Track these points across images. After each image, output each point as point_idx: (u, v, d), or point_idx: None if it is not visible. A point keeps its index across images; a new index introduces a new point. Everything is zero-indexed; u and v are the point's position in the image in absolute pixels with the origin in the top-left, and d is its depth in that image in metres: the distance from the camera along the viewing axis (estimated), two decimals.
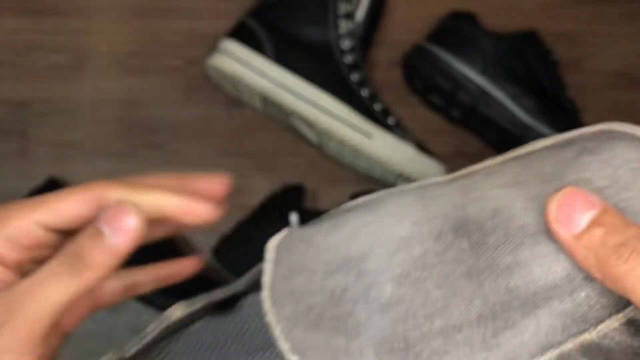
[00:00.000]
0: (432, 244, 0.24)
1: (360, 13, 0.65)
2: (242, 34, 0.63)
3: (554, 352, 0.22)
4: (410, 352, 0.23)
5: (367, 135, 0.62)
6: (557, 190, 0.23)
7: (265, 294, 0.26)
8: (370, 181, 0.67)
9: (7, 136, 0.66)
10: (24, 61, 0.68)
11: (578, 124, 0.65)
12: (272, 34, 0.63)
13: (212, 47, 0.65)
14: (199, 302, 0.30)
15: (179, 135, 0.67)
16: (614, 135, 0.25)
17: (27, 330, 0.25)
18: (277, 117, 0.67)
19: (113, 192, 0.27)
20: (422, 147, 0.64)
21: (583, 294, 0.22)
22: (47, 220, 0.27)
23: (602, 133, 0.25)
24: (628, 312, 0.22)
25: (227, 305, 0.30)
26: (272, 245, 0.28)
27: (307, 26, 0.64)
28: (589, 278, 0.22)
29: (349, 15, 0.64)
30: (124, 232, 0.26)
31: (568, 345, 0.22)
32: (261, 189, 0.66)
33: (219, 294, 0.30)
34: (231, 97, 0.68)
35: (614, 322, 0.22)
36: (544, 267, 0.23)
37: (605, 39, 0.72)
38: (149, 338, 0.30)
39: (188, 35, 0.69)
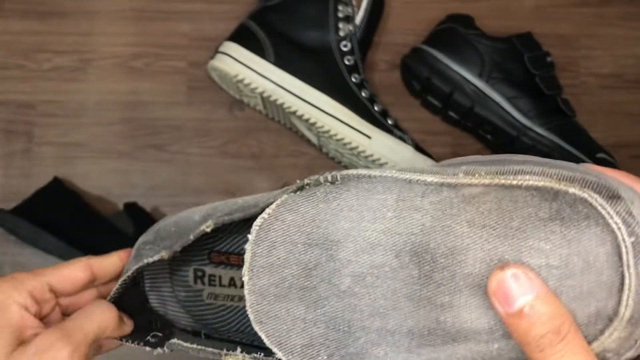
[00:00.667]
0: (391, 259, 0.28)
1: (360, 16, 0.66)
2: (243, 36, 0.64)
3: None
4: (351, 335, 0.28)
5: (366, 136, 0.62)
6: (513, 251, 0.25)
7: (244, 270, 0.30)
8: None
9: (13, 137, 0.66)
10: (29, 63, 0.68)
11: (574, 125, 0.65)
12: (273, 37, 0.64)
13: (214, 50, 0.66)
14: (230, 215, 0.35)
15: (181, 136, 0.68)
16: (591, 215, 0.25)
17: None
18: (278, 118, 0.68)
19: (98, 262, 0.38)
20: (420, 147, 0.65)
21: (496, 346, 0.26)
22: (54, 282, 0.36)
23: (585, 203, 0.25)
24: None
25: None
26: (256, 225, 0.31)
27: (307, 29, 0.64)
28: (506, 335, 0.26)
29: (349, 18, 0.65)
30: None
31: None
32: (261, 189, 0.67)
33: (237, 215, 0.34)
34: (233, 98, 0.68)
35: None
36: (472, 315, 0.26)
37: (601, 40, 0.72)
38: (175, 248, 0.35)
39: (190, 38, 0.69)
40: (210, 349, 0.35)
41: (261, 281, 0.30)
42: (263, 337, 0.30)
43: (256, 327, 0.30)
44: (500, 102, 0.64)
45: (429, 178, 0.28)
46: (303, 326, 0.29)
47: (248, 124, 0.68)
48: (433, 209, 0.27)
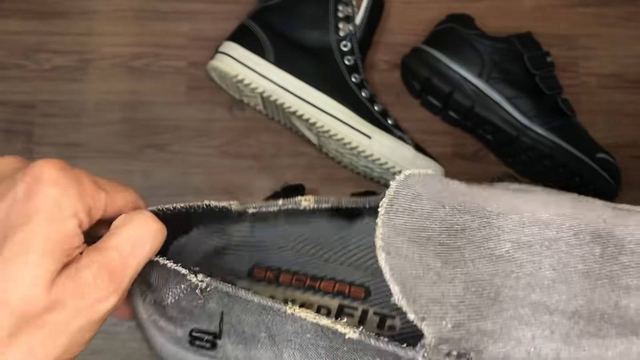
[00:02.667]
0: (567, 235, 0.24)
1: (360, 16, 0.66)
2: (243, 36, 0.64)
3: None
4: (495, 304, 0.23)
5: (366, 136, 0.62)
6: None
7: (384, 201, 0.26)
8: (369, 181, 0.68)
9: (13, 137, 0.67)
10: (29, 63, 0.68)
11: (574, 125, 0.65)
12: (273, 37, 0.64)
13: (214, 50, 0.66)
14: (328, 203, 0.31)
15: (181, 136, 0.68)
16: None
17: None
18: (278, 118, 0.68)
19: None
20: (420, 147, 0.65)
21: None
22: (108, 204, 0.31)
23: None
24: None
25: (349, 215, 0.30)
26: (405, 173, 0.28)
27: (307, 29, 0.64)
28: None
29: (349, 18, 0.65)
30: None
31: None
32: (261, 189, 0.67)
33: (347, 202, 0.31)
34: (233, 98, 0.68)
35: None
36: None
37: (601, 40, 0.72)
38: (272, 209, 0.32)
39: (190, 38, 0.69)
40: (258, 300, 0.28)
41: (398, 219, 0.26)
42: (385, 268, 0.25)
43: (380, 256, 0.25)
44: (500, 102, 0.64)
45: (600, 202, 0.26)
46: (435, 279, 0.24)
47: (248, 124, 0.68)
48: (613, 212, 0.25)
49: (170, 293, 0.30)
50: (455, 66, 0.64)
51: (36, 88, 0.67)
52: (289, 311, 0.26)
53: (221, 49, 0.64)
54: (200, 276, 0.28)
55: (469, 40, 0.65)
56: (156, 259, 0.30)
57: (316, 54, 0.64)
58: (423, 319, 0.23)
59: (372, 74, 0.70)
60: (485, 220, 0.25)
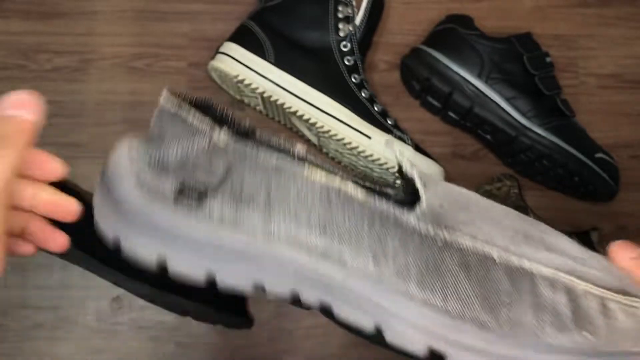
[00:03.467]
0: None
1: (360, 16, 0.66)
2: (243, 37, 0.64)
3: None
4: (468, 209, 0.29)
5: (366, 136, 0.62)
6: None
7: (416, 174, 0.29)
8: None
9: None
10: (29, 63, 0.68)
11: (573, 125, 0.66)
12: (273, 37, 0.64)
13: (214, 50, 0.66)
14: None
15: None
16: None
17: None
18: (278, 118, 0.68)
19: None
20: (420, 148, 0.65)
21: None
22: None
23: None
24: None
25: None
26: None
27: (307, 29, 0.64)
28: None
29: (349, 19, 0.65)
30: (28, 109, 0.32)
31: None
32: None
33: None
34: (233, 98, 0.69)
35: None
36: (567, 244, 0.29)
37: (600, 41, 0.73)
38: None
39: (190, 38, 0.69)
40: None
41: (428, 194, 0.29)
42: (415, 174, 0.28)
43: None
44: (499, 103, 0.64)
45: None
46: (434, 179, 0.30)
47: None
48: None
49: (178, 148, 0.29)
50: (454, 66, 0.64)
51: (37, 88, 0.66)
52: (306, 173, 0.27)
53: (221, 49, 0.64)
54: (222, 134, 0.28)
55: (468, 40, 0.65)
56: (178, 111, 0.30)
57: (316, 54, 0.64)
58: (425, 185, 0.27)
59: (371, 74, 0.70)
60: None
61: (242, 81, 0.63)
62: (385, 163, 0.62)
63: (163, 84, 0.68)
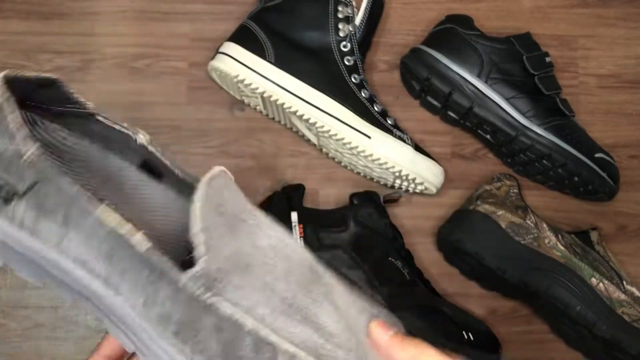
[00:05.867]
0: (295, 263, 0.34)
1: (359, 16, 0.66)
2: (243, 37, 0.64)
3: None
4: (246, 270, 0.32)
5: (366, 136, 0.62)
6: None
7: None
8: (369, 181, 0.68)
9: None
10: (30, 63, 0.68)
11: (572, 125, 0.66)
12: (273, 37, 0.64)
13: (215, 50, 0.66)
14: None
15: (182, 135, 0.68)
16: None
17: None
18: (278, 118, 0.68)
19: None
20: (419, 147, 0.65)
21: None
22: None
23: None
24: None
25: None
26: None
27: (307, 29, 0.65)
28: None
29: (349, 19, 0.65)
30: None
31: None
32: (261, 189, 0.68)
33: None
34: (233, 98, 0.69)
35: None
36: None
37: (600, 41, 0.73)
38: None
39: (191, 39, 0.70)
40: None
41: (212, 219, 0.33)
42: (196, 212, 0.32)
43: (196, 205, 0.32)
44: (499, 102, 0.64)
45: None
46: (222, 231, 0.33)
47: (248, 124, 0.69)
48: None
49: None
50: (454, 66, 0.65)
51: None
52: (98, 211, 0.30)
53: (222, 49, 0.64)
54: (34, 148, 0.31)
55: (468, 40, 0.65)
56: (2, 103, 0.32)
57: (316, 54, 0.64)
58: (209, 249, 0.30)
59: (371, 74, 0.70)
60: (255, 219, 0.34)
61: (242, 81, 0.63)
62: (385, 163, 0.62)
63: (164, 84, 0.68)
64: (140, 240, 0.30)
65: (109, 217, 0.30)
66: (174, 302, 0.30)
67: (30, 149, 0.30)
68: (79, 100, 0.35)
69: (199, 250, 0.30)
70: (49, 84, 0.34)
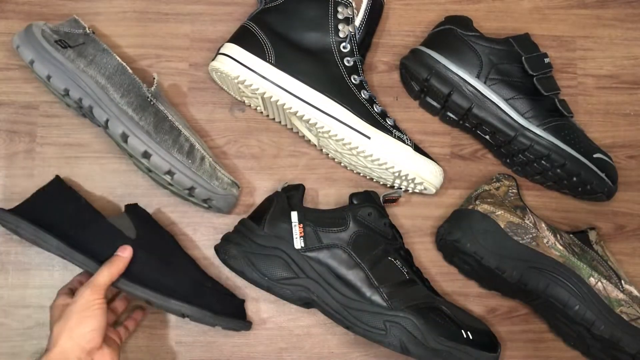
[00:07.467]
0: None
1: (359, 18, 0.66)
2: (244, 38, 0.64)
3: None
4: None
5: (366, 136, 0.63)
6: None
7: None
8: (369, 181, 0.69)
9: (16, 137, 0.67)
10: None
11: (571, 125, 0.66)
12: (273, 38, 0.64)
13: (215, 51, 0.66)
14: None
15: None
16: None
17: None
18: (278, 119, 0.68)
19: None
20: (419, 148, 0.65)
21: None
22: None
23: None
24: None
25: None
26: None
27: (307, 30, 0.65)
28: None
29: (348, 20, 0.65)
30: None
31: None
32: (261, 189, 0.68)
33: None
34: (233, 99, 0.69)
35: None
36: None
37: (598, 42, 0.73)
38: None
39: (191, 39, 0.70)
40: None
41: None
42: None
43: None
44: (498, 103, 0.64)
45: None
46: None
47: (248, 125, 0.69)
48: None
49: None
50: (453, 67, 0.65)
51: (39, 89, 0.68)
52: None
53: (222, 50, 0.65)
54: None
55: (467, 41, 0.66)
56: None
57: (316, 55, 0.64)
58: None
59: (371, 75, 0.70)
60: None
61: (242, 82, 0.63)
62: (385, 163, 0.62)
63: (164, 85, 0.69)
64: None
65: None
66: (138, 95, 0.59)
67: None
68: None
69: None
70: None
